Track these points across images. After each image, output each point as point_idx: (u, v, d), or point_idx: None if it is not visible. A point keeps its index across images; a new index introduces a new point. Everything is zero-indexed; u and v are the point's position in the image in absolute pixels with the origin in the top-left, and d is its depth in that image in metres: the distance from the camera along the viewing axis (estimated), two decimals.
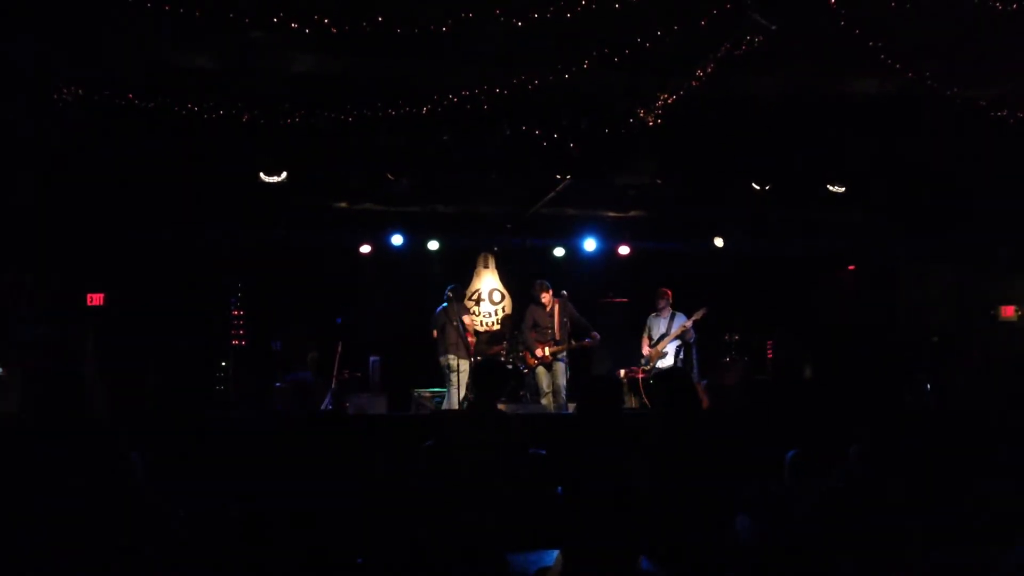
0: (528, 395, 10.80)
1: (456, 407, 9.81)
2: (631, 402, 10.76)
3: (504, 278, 12.95)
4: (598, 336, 10.26)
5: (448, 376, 10.12)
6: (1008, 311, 11.54)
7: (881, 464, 4.71)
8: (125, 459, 3.50)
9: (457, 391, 9.96)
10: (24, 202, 9.11)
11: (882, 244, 12.18)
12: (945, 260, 11.98)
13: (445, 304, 10.29)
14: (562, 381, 10.04)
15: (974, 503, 5.13)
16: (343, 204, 11.32)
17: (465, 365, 10.02)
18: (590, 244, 12.22)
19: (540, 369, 10.13)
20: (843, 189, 9.92)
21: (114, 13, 6.26)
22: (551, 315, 10.10)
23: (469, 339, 10.24)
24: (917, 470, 4.91)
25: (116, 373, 9.49)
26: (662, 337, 10.44)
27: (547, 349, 10.04)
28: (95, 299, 10.65)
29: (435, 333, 10.29)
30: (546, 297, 10.13)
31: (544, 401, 10.07)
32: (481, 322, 12.75)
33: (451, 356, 10.12)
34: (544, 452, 5.23)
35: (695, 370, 10.55)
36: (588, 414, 4.84)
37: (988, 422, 7.26)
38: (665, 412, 4.82)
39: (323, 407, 10.13)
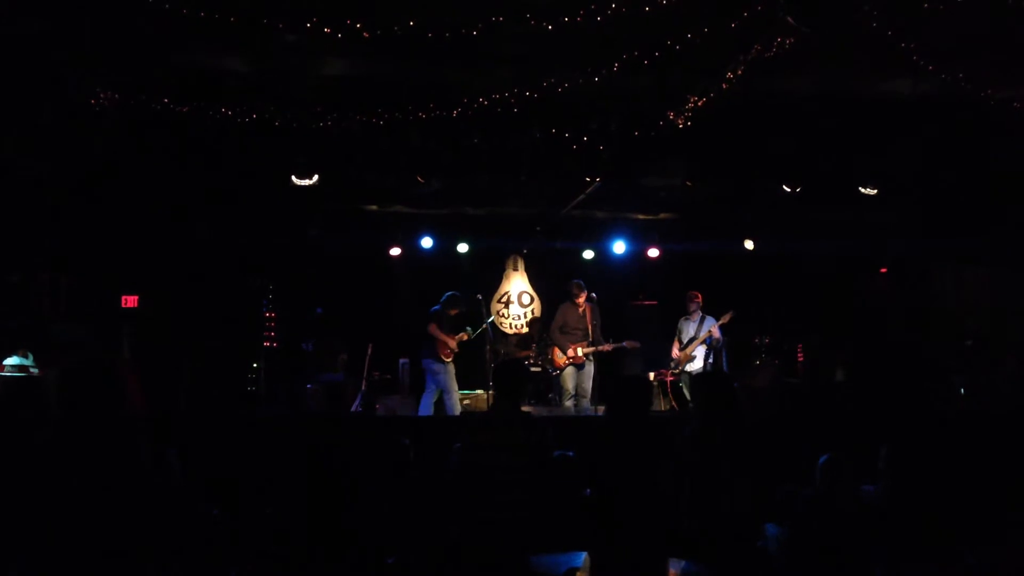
0: (557, 397, 10.79)
1: (431, 412, 9.79)
2: (660, 405, 10.73)
3: (533, 280, 12.97)
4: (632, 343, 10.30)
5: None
6: None
7: (914, 468, 4.68)
8: (162, 457, 3.56)
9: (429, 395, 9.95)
10: (60, 205, 9.26)
11: (915, 246, 12.05)
12: (979, 262, 11.84)
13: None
14: (588, 384, 10.02)
15: (1008, 506, 5.08)
16: (373, 206, 11.40)
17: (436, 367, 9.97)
18: (620, 246, 12.19)
19: (568, 370, 10.08)
20: (875, 192, 9.83)
21: (149, 18, 6.35)
22: (583, 316, 10.07)
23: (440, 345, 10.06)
24: (950, 473, 4.87)
25: (150, 373, 9.61)
26: (691, 340, 10.41)
27: (580, 349, 10.00)
28: (130, 301, 10.80)
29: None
30: (581, 297, 10.12)
31: (568, 404, 10.02)
32: (510, 324, 12.76)
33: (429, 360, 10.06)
34: (572, 453, 5.22)
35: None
36: (618, 415, 4.83)
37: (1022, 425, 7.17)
38: (705, 414, 4.80)
39: (353, 408, 10.20)
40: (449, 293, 10.19)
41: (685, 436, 4.68)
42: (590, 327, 10.02)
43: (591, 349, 10.02)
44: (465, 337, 10.08)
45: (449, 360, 9.91)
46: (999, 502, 5.11)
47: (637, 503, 4.35)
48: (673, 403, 10.40)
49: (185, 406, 9.76)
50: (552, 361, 10.40)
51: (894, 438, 4.97)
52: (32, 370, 9.12)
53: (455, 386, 9.92)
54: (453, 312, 10.08)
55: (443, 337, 9.85)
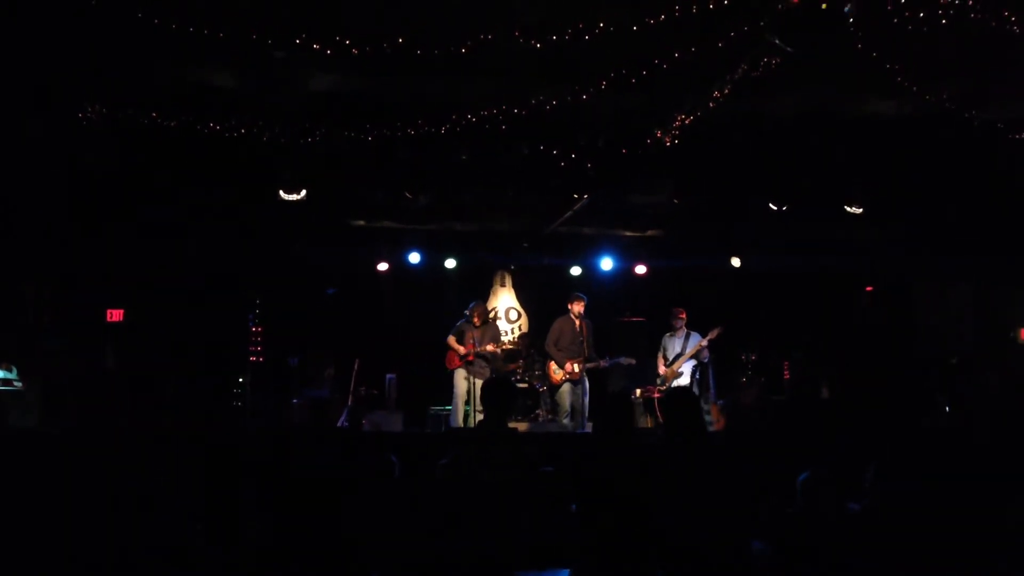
0: (545, 414, 10.75)
1: (459, 422, 9.86)
2: (647, 422, 10.72)
3: (520, 296, 12.97)
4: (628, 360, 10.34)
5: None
6: None
7: (898, 486, 4.69)
8: (148, 472, 3.55)
9: (459, 405, 10.05)
10: (48, 217, 9.22)
11: (900, 264, 12.14)
12: (963, 281, 11.92)
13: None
14: (585, 401, 9.96)
15: (992, 525, 5.10)
16: (361, 222, 11.39)
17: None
18: (607, 263, 12.21)
19: (565, 387, 9.96)
20: (860, 211, 9.90)
21: (138, 32, 6.35)
22: (579, 331, 10.04)
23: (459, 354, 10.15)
24: (934, 492, 4.88)
25: (135, 388, 9.57)
26: (677, 357, 10.39)
27: (576, 365, 9.94)
28: (115, 315, 10.76)
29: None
30: (578, 307, 10.05)
31: (566, 421, 9.95)
32: None
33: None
34: (551, 468, 5.20)
35: (711, 390, 10.48)
36: (605, 433, 4.84)
37: (1005, 445, 7.21)
38: (671, 432, 4.81)
39: (339, 424, 10.16)
40: (472, 303, 10.32)
41: (663, 454, 4.69)
42: (586, 342, 9.99)
43: (589, 365, 9.99)
44: (492, 348, 10.10)
45: (455, 368, 10.07)
46: (984, 521, 5.13)
47: (621, 520, 4.35)
48: (661, 420, 10.37)
49: (170, 420, 9.71)
50: (547, 376, 10.36)
51: (880, 456, 4.98)
52: (16, 383, 9.06)
53: (458, 399, 10.02)
54: (476, 321, 10.14)
55: (454, 346, 10.03)
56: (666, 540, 4.32)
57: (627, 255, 12.33)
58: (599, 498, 4.48)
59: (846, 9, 5.70)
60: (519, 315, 12.90)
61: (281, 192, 9.13)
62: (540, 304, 12.34)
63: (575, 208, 10.53)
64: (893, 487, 4.71)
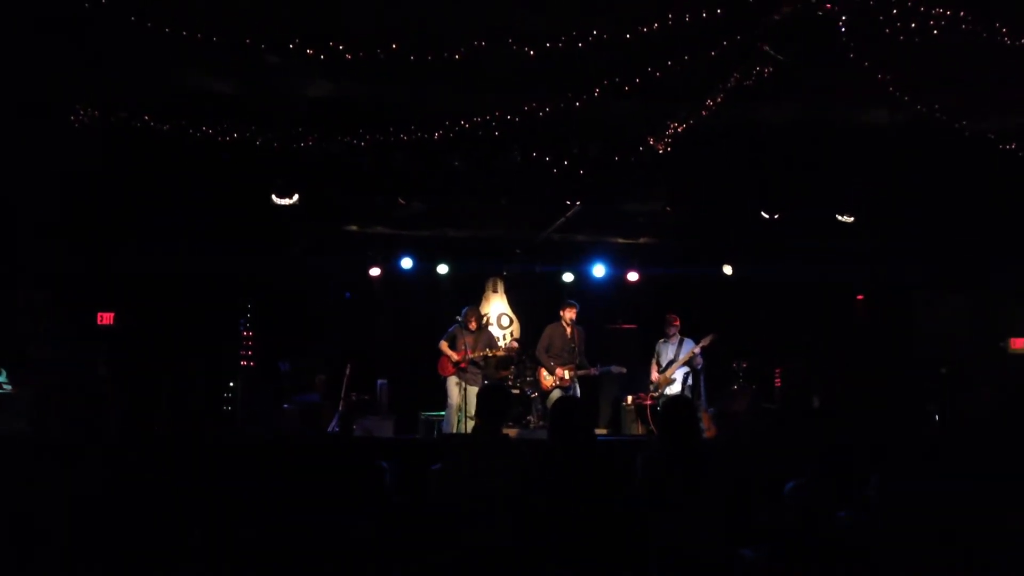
0: (536, 420, 10.76)
1: (453, 428, 9.86)
2: (638, 429, 10.73)
3: (513, 303, 12.98)
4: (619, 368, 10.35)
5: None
6: (1018, 343, 11.52)
7: (891, 495, 4.70)
8: (142, 478, 3.54)
9: (452, 412, 10.05)
10: (39, 221, 9.20)
11: (892, 273, 12.17)
12: (955, 291, 11.96)
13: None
14: None
15: (985, 535, 5.11)
16: (354, 227, 11.40)
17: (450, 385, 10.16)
18: (599, 270, 12.24)
19: (555, 394, 9.95)
20: (852, 219, 9.94)
21: (132, 37, 6.35)
22: (571, 337, 10.06)
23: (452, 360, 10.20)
24: (927, 502, 4.89)
25: (127, 392, 9.54)
26: (670, 363, 10.41)
27: (567, 372, 9.95)
28: (105, 318, 10.74)
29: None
30: (570, 313, 10.08)
31: None
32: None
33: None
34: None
35: (702, 397, 10.52)
36: (559, 437, 4.86)
37: (997, 455, 7.23)
38: (667, 440, 4.82)
39: (330, 429, 10.15)
40: (466, 308, 10.34)
41: (643, 461, 4.69)
42: (577, 349, 10.00)
43: (579, 372, 10.00)
44: (483, 352, 10.12)
45: (448, 375, 10.07)
46: (982, 529, 5.14)
47: (603, 527, 4.36)
48: (652, 427, 10.40)
49: (162, 425, 9.68)
50: (538, 383, 10.36)
51: (876, 465, 4.99)
52: (5, 387, 9.02)
53: (452, 402, 10.01)
54: (472, 326, 10.14)
55: (447, 352, 10.04)
56: (657, 546, 4.33)
57: (620, 262, 12.37)
58: (558, 502, 4.51)
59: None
60: (511, 321, 12.90)
61: (274, 197, 9.12)
62: (532, 310, 12.35)
63: (568, 215, 10.55)
64: (885, 494, 4.73)
